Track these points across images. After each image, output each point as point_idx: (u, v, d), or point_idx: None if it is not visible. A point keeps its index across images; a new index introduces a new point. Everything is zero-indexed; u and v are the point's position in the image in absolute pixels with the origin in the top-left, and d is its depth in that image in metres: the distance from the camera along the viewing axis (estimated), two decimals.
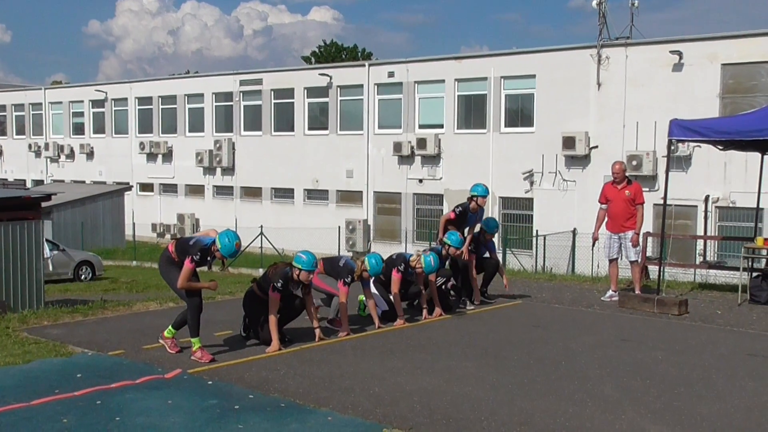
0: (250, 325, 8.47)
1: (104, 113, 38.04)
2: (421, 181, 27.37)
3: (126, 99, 37.00)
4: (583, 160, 23.60)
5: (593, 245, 11.94)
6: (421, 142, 26.66)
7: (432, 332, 9.12)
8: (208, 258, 7.65)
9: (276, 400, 6.27)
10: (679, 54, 21.66)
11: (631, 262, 11.51)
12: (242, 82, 32.46)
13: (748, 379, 7.22)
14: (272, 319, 7.96)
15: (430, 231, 24.78)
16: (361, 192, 29.03)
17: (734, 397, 6.59)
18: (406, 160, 27.56)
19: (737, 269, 11.90)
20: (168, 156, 35.13)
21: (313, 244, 26.24)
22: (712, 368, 7.61)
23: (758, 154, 12.45)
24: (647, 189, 19.03)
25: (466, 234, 10.96)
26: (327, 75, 29.84)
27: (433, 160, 26.93)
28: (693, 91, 21.23)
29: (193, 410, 5.97)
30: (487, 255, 11.34)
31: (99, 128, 38.39)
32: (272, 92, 31.63)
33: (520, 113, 25.63)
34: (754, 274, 11.67)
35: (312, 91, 30.49)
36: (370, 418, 5.85)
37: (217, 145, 32.56)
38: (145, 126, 36.35)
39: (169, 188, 35.42)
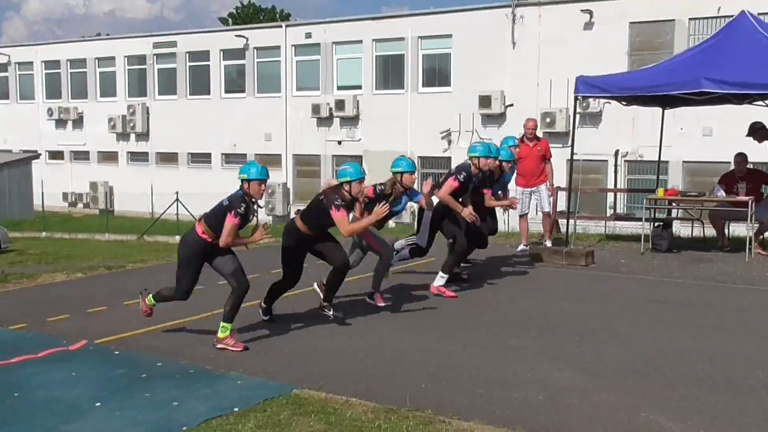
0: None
1: (8, 78, 36.32)
2: (340, 142, 27.23)
3: (32, 63, 35.36)
4: (498, 119, 23.89)
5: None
6: (340, 104, 26.46)
7: (351, 291, 9.13)
8: (251, 206, 6.76)
9: (185, 367, 6.19)
10: (590, 13, 22.04)
11: (544, 213, 11.86)
12: (156, 45, 31.43)
13: (648, 324, 7.52)
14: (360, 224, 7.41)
15: None
16: (280, 155, 28.69)
17: (636, 344, 6.84)
18: (324, 122, 27.34)
19: (641, 220, 12.36)
20: (79, 122, 33.87)
21: None
22: (615, 316, 7.91)
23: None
24: (560, 145, 19.45)
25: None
26: (243, 37, 29.18)
27: (351, 121, 26.80)
28: (603, 49, 21.63)
29: (99, 381, 5.85)
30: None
31: (2, 94, 36.64)
32: (187, 55, 30.76)
33: (437, 73, 25.69)
34: (656, 224, 12.15)
35: (228, 54, 29.80)
36: (280, 380, 5.85)
37: (131, 110, 31.57)
38: (53, 91, 34.87)
39: (81, 155, 34.22)
